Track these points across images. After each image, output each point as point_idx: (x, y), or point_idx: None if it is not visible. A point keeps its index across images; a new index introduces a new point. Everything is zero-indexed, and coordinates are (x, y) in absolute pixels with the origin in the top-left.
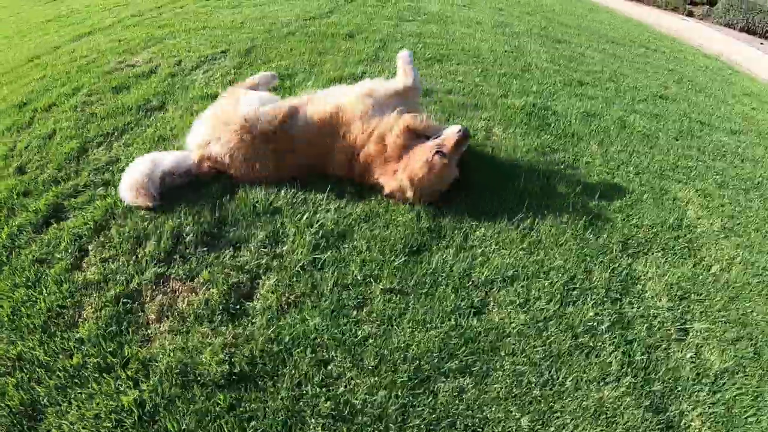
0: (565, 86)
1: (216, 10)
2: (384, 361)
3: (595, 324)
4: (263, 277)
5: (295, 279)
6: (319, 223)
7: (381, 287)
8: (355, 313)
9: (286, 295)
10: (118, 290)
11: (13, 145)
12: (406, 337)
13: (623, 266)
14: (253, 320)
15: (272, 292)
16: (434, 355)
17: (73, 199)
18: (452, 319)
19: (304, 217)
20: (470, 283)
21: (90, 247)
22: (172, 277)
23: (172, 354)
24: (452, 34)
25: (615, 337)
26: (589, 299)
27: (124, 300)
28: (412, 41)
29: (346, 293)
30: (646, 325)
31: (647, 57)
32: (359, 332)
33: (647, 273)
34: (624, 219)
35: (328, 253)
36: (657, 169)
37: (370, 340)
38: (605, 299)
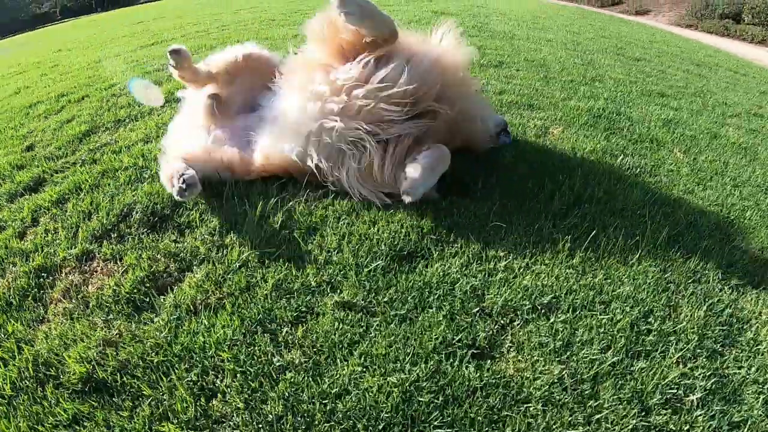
0: (643, 96)
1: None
2: (294, 412)
3: (682, 391)
4: (194, 270)
5: (229, 275)
6: (286, 213)
7: (336, 299)
8: (285, 330)
9: (209, 293)
10: (39, 262)
11: (34, 128)
12: (345, 380)
13: (724, 302)
14: (154, 318)
15: (193, 288)
16: (382, 419)
17: (56, 174)
18: (433, 361)
19: (269, 204)
20: (478, 308)
21: (42, 218)
22: (98, 256)
23: (47, 341)
24: (516, 47)
25: (714, 416)
26: (672, 349)
27: (42, 273)
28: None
29: (284, 301)
30: (763, 398)
31: (736, 79)
32: (276, 360)
33: (760, 315)
34: (723, 239)
35: (284, 247)
36: (761, 183)
37: (288, 375)
38: (698, 351)
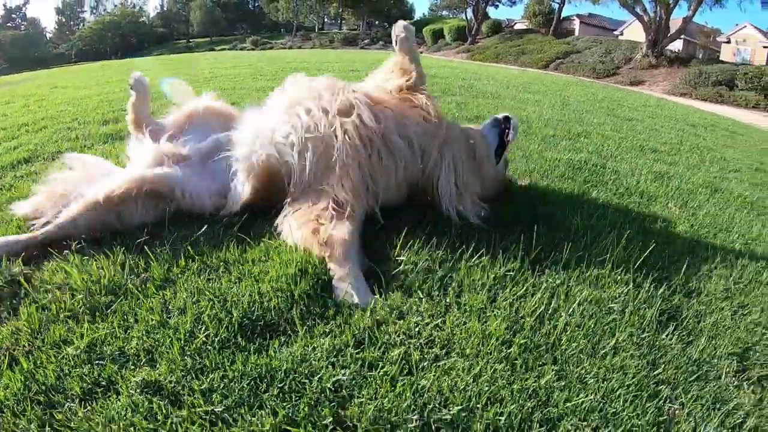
0: (632, 150)
1: None
2: None
3: None
4: (20, 312)
5: (52, 324)
6: (147, 256)
7: (144, 376)
8: (67, 406)
9: (24, 342)
10: None
11: None
12: None
13: (744, 409)
14: None
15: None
16: None
17: None
18: None
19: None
20: (333, 418)
21: None
22: None
23: None
24: (500, 105)
25: None
26: None
27: None
28: (450, 107)
29: (87, 368)
30: None
31: (733, 138)
32: None
33: None
34: (735, 311)
35: (124, 299)
36: None
37: None
38: None
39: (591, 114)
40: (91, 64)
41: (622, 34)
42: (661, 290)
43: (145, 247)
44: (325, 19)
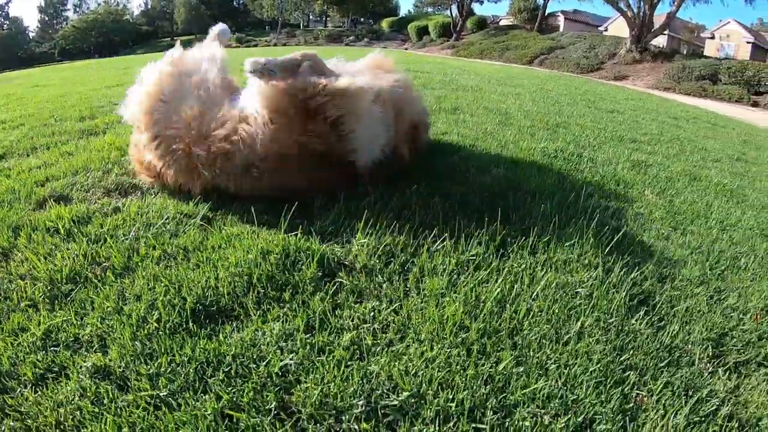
0: (611, 140)
1: None
2: None
3: None
4: None
5: (12, 313)
6: (114, 242)
7: (94, 361)
8: (19, 392)
9: None
10: None
11: None
12: None
13: (719, 396)
14: None
15: None
16: None
17: None
18: None
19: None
20: (276, 403)
21: None
22: None
23: None
24: (479, 98)
25: None
26: None
27: None
28: (430, 100)
29: (41, 354)
30: None
31: (714, 130)
32: None
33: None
34: (711, 296)
35: (83, 287)
36: (754, 226)
37: None
38: None
39: (571, 106)
40: (74, 63)
41: (606, 29)
42: (633, 275)
43: (107, 237)
44: (310, 17)
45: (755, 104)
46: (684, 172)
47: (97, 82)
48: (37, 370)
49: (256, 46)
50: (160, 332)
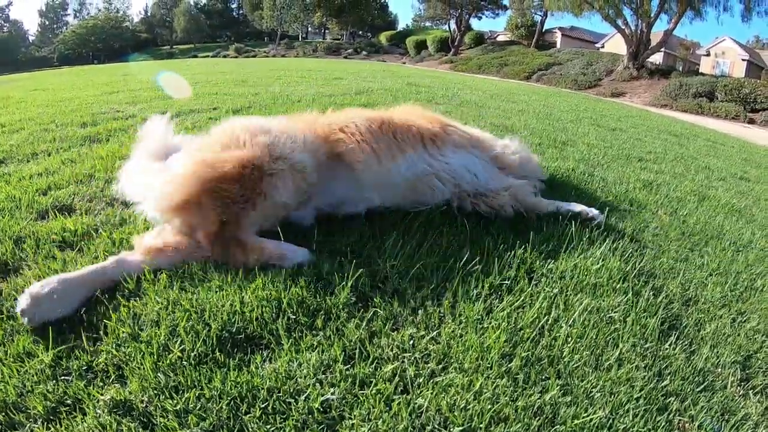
0: (619, 159)
1: None
2: None
3: None
4: None
5: (17, 336)
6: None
7: (113, 394)
8: (28, 428)
9: None
10: None
11: None
12: None
13: (752, 419)
14: None
15: None
16: None
17: None
18: None
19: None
20: None
21: None
22: None
23: None
24: (484, 114)
25: None
26: None
27: None
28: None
29: (51, 384)
30: None
31: (715, 148)
32: None
33: None
34: (735, 319)
35: (95, 310)
36: (765, 247)
37: None
38: None
39: (575, 124)
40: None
41: (603, 46)
42: (660, 298)
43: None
44: (309, 29)
45: (751, 121)
46: (692, 191)
47: (98, 88)
48: (48, 402)
49: (254, 56)
50: (185, 362)
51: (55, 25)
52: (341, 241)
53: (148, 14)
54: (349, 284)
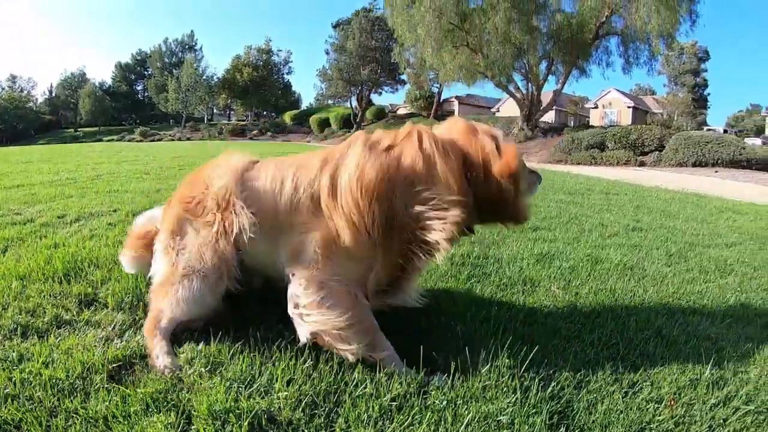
0: (512, 234)
1: None
2: None
3: None
4: None
5: None
6: None
7: None
8: None
9: None
10: None
11: None
12: None
13: None
14: None
15: None
16: None
17: None
18: None
19: None
20: None
21: None
22: None
23: None
24: None
25: None
26: None
27: None
28: None
29: None
30: None
31: (609, 200)
32: None
33: None
34: (624, 396)
35: None
36: (656, 303)
37: None
38: None
39: None
40: None
41: (498, 110)
42: (550, 389)
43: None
44: (214, 110)
45: (642, 164)
46: (586, 256)
47: None
48: None
49: (160, 140)
50: None
51: None
52: (230, 369)
53: (53, 95)
54: (247, 421)
